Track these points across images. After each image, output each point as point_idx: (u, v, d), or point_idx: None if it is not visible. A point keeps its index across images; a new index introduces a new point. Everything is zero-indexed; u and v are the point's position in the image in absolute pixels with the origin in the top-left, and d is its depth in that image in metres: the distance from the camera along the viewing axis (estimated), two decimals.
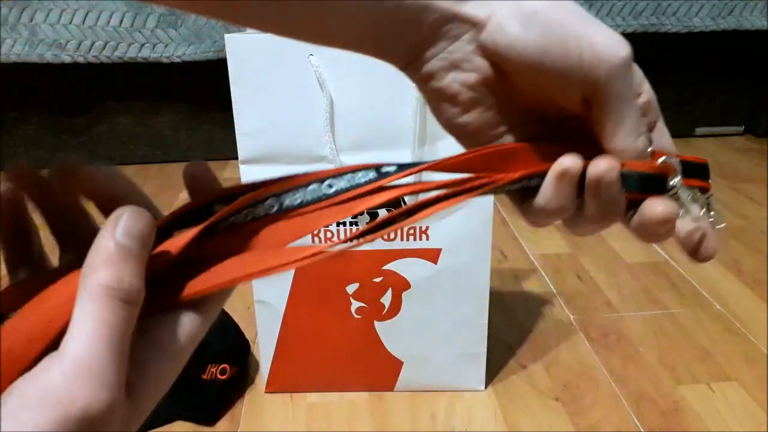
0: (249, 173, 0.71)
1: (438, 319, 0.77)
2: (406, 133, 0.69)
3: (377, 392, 0.82)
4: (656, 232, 0.26)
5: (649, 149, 0.27)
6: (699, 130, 1.74)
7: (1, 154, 1.61)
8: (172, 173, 1.58)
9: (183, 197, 1.53)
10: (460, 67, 0.26)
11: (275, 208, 0.25)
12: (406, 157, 0.69)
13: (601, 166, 0.25)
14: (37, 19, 1.39)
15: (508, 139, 0.28)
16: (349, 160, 0.70)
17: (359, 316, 0.77)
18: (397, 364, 0.80)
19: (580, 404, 0.79)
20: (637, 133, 0.26)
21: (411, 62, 0.27)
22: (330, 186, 0.25)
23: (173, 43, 1.43)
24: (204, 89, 1.55)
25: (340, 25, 0.25)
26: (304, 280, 0.75)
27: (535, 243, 1.19)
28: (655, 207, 0.26)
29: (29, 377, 0.19)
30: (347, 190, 0.25)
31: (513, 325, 0.95)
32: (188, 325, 0.23)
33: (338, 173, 0.25)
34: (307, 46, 0.66)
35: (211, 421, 0.77)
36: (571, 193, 0.26)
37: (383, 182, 0.25)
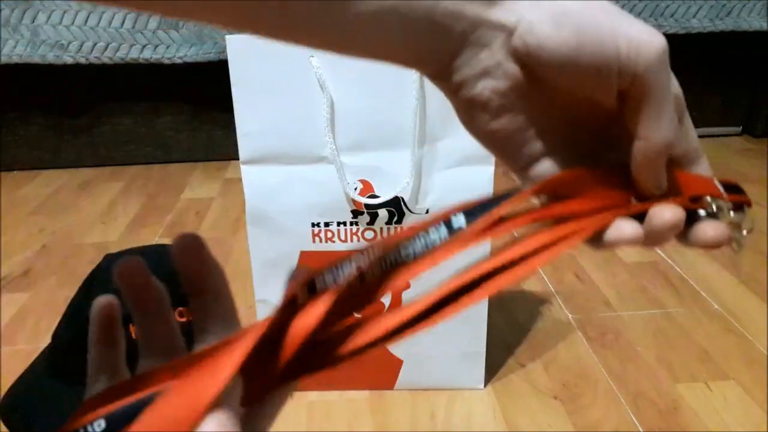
0: (250, 173, 0.72)
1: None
2: (406, 134, 0.69)
3: (377, 391, 0.82)
4: (666, 237, 0.27)
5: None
6: (697, 131, 1.74)
7: (2, 155, 1.61)
8: (173, 174, 1.59)
9: (184, 197, 1.54)
10: (491, 74, 0.26)
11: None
12: (406, 157, 0.70)
13: (667, 216, 0.26)
14: (39, 20, 1.39)
15: (536, 146, 0.28)
16: (350, 160, 0.71)
17: (359, 316, 0.78)
18: (397, 363, 0.81)
19: (579, 403, 0.80)
20: (674, 125, 0.26)
21: (442, 71, 0.27)
22: (406, 251, 0.25)
23: (174, 44, 1.43)
24: (205, 90, 1.55)
25: (370, 36, 0.25)
26: None
27: None
28: (663, 213, 0.26)
29: None
30: (423, 254, 0.25)
31: (512, 324, 0.96)
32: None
33: (411, 235, 0.25)
34: None
35: None
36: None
37: (456, 240, 0.25)
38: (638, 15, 1.50)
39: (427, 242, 0.25)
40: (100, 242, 1.24)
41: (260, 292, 0.77)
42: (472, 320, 0.78)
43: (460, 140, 0.69)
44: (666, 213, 0.26)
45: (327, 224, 0.73)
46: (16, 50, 1.41)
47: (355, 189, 0.72)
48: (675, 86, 0.27)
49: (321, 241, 0.74)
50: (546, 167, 0.28)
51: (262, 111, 0.69)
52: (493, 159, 0.71)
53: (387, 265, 0.25)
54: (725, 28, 1.54)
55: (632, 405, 0.79)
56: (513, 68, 0.26)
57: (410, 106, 0.68)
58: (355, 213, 0.73)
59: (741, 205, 0.31)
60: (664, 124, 0.25)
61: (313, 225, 0.73)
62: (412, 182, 0.71)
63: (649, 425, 0.76)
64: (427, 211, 0.73)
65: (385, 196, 0.71)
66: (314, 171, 0.71)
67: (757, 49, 1.64)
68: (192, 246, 0.26)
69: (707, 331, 0.93)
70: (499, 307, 0.99)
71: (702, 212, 0.28)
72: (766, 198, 1.38)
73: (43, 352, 0.82)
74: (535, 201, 0.28)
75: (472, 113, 0.28)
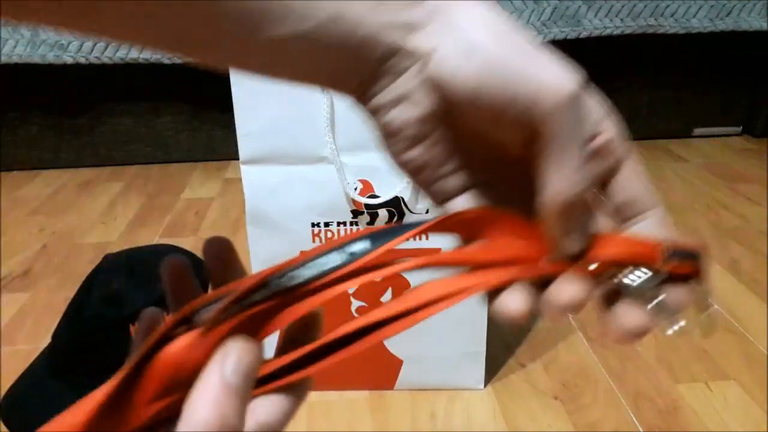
0: (250, 174, 0.72)
1: (437, 319, 0.78)
2: None
3: (377, 391, 0.82)
4: (563, 315, 0.24)
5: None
6: (697, 131, 1.74)
7: (2, 155, 1.61)
8: (173, 174, 1.59)
9: (183, 197, 1.54)
10: (406, 101, 0.25)
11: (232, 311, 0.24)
12: None
13: (564, 297, 0.24)
14: None
15: (455, 181, 0.27)
16: (350, 160, 0.71)
17: (359, 316, 0.78)
18: (397, 363, 0.81)
19: (579, 403, 0.80)
20: (581, 176, 0.23)
21: (360, 96, 0.26)
22: (292, 278, 0.24)
23: None
24: (205, 90, 1.55)
25: (286, 61, 0.25)
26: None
27: None
28: (561, 292, 0.24)
29: None
30: (316, 279, 0.24)
31: (512, 324, 0.96)
32: (283, 407, 0.24)
33: (302, 262, 0.24)
34: None
35: None
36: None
37: (353, 267, 0.24)
38: (638, 15, 1.50)
39: (320, 269, 0.24)
40: (100, 242, 1.24)
41: None
42: (472, 320, 0.78)
43: None
44: (564, 293, 0.24)
45: (327, 224, 0.73)
46: (16, 50, 1.41)
47: (355, 189, 0.72)
48: (608, 131, 0.25)
49: (321, 241, 0.74)
50: (464, 204, 0.27)
51: (262, 111, 0.69)
52: None
53: (272, 290, 0.23)
54: (725, 28, 1.54)
55: (632, 405, 0.79)
56: (427, 97, 0.25)
57: None
58: (355, 213, 0.73)
59: (689, 277, 0.26)
60: (565, 175, 0.23)
61: (313, 225, 0.73)
62: (412, 182, 0.71)
63: (649, 425, 0.76)
64: (427, 211, 0.73)
65: (385, 196, 0.71)
66: (314, 171, 0.71)
67: (757, 49, 1.64)
68: (223, 249, 0.27)
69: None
70: None
71: (630, 283, 0.25)
72: (766, 198, 1.38)
73: (43, 352, 0.82)
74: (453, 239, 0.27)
75: (388, 140, 0.27)
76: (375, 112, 0.26)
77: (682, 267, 0.26)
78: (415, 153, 0.26)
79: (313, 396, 0.81)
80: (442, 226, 0.25)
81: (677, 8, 1.51)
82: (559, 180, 0.23)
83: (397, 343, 0.80)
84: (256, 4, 0.22)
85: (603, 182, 0.27)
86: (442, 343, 0.80)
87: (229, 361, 0.22)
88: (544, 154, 0.23)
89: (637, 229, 0.27)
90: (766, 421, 0.76)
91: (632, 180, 0.27)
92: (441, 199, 0.28)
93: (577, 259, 0.25)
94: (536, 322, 0.96)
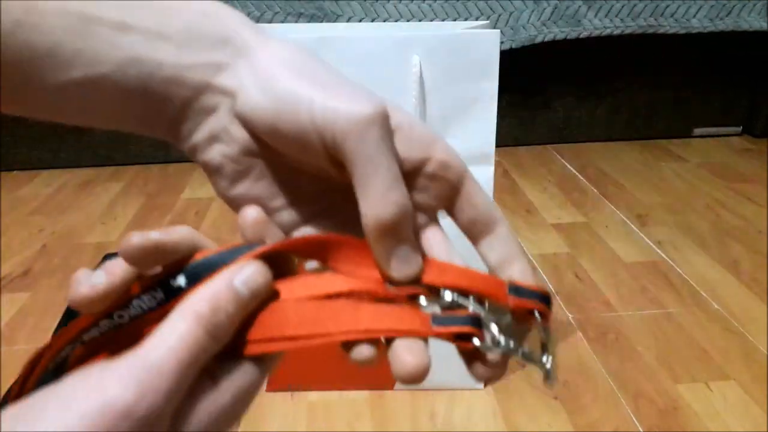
0: None
1: None
2: None
3: (377, 391, 0.82)
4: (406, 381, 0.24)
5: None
6: (697, 131, 1.74)
7: (2, 155, 1.61)
8: (173, 174, 1.59)
9: (183, 197, 1.54)
10: (221, 139, 0.26)
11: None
12: None
13: (407, 369, 0.23)
14: None
15: (290, 214, 0.27)
16: None
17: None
18: None
19: (579, 403, 0.80)
20: (388, 201, 0.23)
21: (173, 136, 0.26)
22: (120, 317, 0.24)
23: None
24: None
25: (81, 104, 0.25)
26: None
27: (533, 243, 1.20)
28: (404, 357, 0.23)
29: (99, 365, 0.20)
30: (140, 317, 0.24)
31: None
32: (247, 376, 0.23)
33: (124, 303, 0.24)
34: (307, 46, 0.66)
35: None
36: None
37: (173, 304, 0.23)
38: (638, 15, 1.50)
39: (137, 311, 0.24)
40: (100, 242, 1.24)
41: None
42: None
43: (460, 140, 0.69)
44: (407, 359, 0.23)
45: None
46: None
47: None
48: (441, 154, 0.25)
49: None
50: (309, 232, 0.27)
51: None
52: (493, 159, 0.71)
53: (101, 330, 0.24)
54: (725, 28, 1.54)
55: (632, 405, 0.79)
56: (241, 133, 0.25)
57: (410, 106, 0.68)
58: None
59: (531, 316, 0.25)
60: (376, 198, 0.23)
61: None
62: None
63: (649, 425, 0.76)
64: None
65: None
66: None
67: (757, 49, 1.65)
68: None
69: (707, 332, 0.93)
70: None
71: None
72: (766, 198, 1.38)
73: None
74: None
75: (212, 178, 0.27)
76: (194, 152, 0.26)
77: (524, 304, 0.25)
78: (241, 189, 0.27)
79: (313, 396, 0.82)
80: (281, 249, 0.25)
81: (677, 8, 1.51)
82: (371, 203, 0.23)
83: None
84: (42, 48, 0.22)
85: (447, 205, 0.27)
86: (442, 343, 0.79)
87: (242, 273, 0.22)
88: (354, 179, 0.23)
89: (485, 248, 0.27)
90: (766, 421, 0.76)
91: (473, 199, 0.26)
92: (285, 231, 0.28)
93: (413, 284, 0.25)
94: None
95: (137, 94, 0.24)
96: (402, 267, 0.25)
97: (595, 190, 1.44)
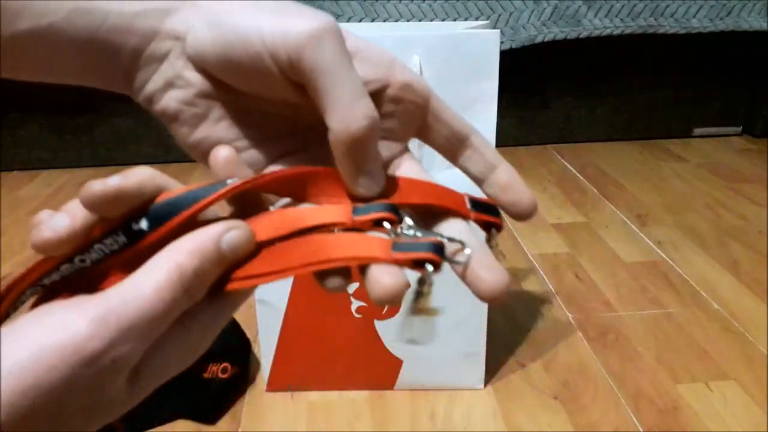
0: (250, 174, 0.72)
1: (437, 319, 0.78)
2: None
3: (377, 391, 0.82)
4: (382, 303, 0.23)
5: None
6: (697, 131, 1.74)
7: (2, 155, 1.61)
8: (173, 174, 1.58)
9: None
10: (175, 84, 0.26)
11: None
12: None
13: (382, 287, 0.22)
14: None
15: (255, 154, 0.27)
16: None
17: (359, 316, 0.78)
18: (397, 363, 0.81)
19: (579, 403, 0.80)
20: (354, 115, 0.23)
21: (127, 87, 0.26)
22: (82, 261, 0.24)
23: None
24: None
25: (31, 57, 0.25)
26: (304, 279, 0.76)
27: (533, 243, 1.20)
28: (381, 277, 0.22)
29: (62, 303, 0.20)
30: (101, 261, 0.24)
31: (512, 324, 0.96)
32: (215, 315, 0.23)
33: (86, 247, 0.23)
34: None
35: (212, 419, 0.77)
36: None
37: (138, 246, 0.23)
38: (638, 15, 1.50)
39: (99, 254, 0.24)
40: None
41: (260, 291, 0.77)
42: (472, 320, 0.78)
43: None
44: (384, 279, 0.22)
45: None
46: None
47: None
48: (402, 76, 0.25)
49: None
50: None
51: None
52: None
53: (61, 273, 0.24)
54: (725, 28, 1.54)
55: (632, 405, 0.79)
56: (194, 76, 0.25)
57: None
58: None
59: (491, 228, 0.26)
60: (341, 111, 0.23)
61: None
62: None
63: (649, 425, 0.76)
64: None
65: None
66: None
67: (757, 49, 1.65)
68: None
69: (707, 332, 0.93)
70: (499, 307, 0.99)
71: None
72: (766, 198, 1.38)
73: None
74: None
75: (171, 126, 0.27)
76: (150, 102, 0.27)
77: (483, 217, 0.26)
78: (201, 134, 0.27)
79: (313, 396, 0.82)
80: (253, 186, 0.25)
81: (677, 8, 1.51)
82: (339, 115, 0.23)
83: (397, 342, 0.80)
84: None
85: (417, 129, 0.27)
86: (441, 343, 0.79)
87: (231, 236, 0.23)
88: (318, 96, 0.23)
89: (465, 162, 0.27)
90: (766, 421, 0.76)
91: (442, 117, 0.27)
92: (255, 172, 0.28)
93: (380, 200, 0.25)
94: (536, 322, 0.96)
95: (87, 44, 0.24)
96: (369, 184, 0.25)
97: (595, 190, 1.44)
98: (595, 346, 0.90)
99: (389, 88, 0.25)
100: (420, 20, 1.43)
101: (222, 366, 0.78)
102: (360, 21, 1.42)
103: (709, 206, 1.35)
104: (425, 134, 0.27)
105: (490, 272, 0.23)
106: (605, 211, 1.34)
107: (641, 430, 0.75)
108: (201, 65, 0.25)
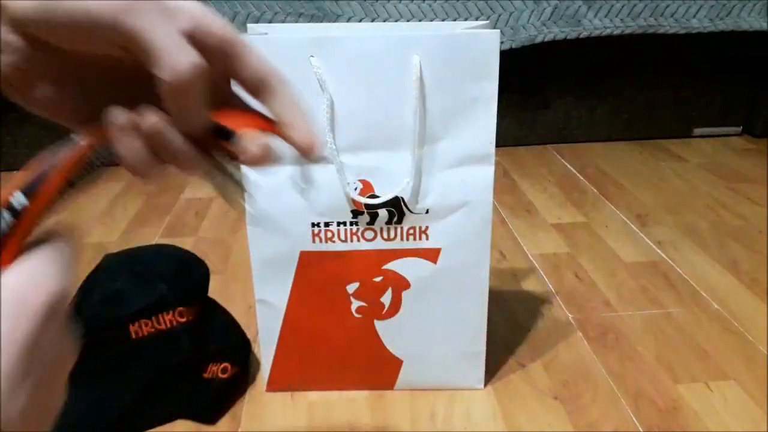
0: (250, 173, 0.72)
1: (437, 319, 0.78)
2: (406, 134, 0.69)
3: (377, 391, 0.82)
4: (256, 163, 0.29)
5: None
6: (697, 131, 1.74)
7: (2, 155, 1.61)
8: (173, 174, 1.59)
9: (183, 197, 1.54)
10: (1, 50, 0.27)
11: None
12: (406, 157, 0.70)
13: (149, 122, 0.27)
14: None
15: (86, 108, 0.29)
16: (350, 160, 0.70)
17: (359, 316, 0.78)
18: (397, 363, 0.81)
19: (579, 403, 0.80)
20: (182, 57, 0.26)
21: None
22: None
23: None
24: None
25: None
26: (304, 279, 0.76)
27: (533, 243, 1.20)
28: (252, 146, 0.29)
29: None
30: None
31: (512, 324, 0.96)
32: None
33: None
34: (307, 46, 0.66)
35: (212, 419, 0.77)
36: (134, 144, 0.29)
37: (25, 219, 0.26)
38: (638, 15, 1.50)
39: None
40: (100, 242, 1.24)
41: (260, 291, 0.77)
42: (471, 320, 0.78)
43: (460, 140, 0.69)
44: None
45: (327, 224, 0.73)
46: None
47: (355, 189, 0.72)
48: (220, 30, 0.27)
49: (321, 241, 0.74)
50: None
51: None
52: (493, 159, 0.71)
53: None
54: (725, 28, 1.54)
55: (632, 405, 0.79)
56: (17, 40, 0.27)
57: (410, 106, 0.68)
58: (355, 213, 0.73)
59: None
60: (169, 59, 0.25)
61: (312, 225, 0.73)
62: (412, 182, 0.71)
63: (649, 425, 0.76)
64: (427, 211, 0.73)
65: (385, 196, 0.71)
66: (314, 171, 0.71)
67: (757, 49, 1.65)
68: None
69: (707, 332, 0.93)
70: (499, 307, 0.99)
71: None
72: (766, 198, 1.38)
73: None
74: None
75: (9, 92, 0.29)
76: None
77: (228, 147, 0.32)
78: (39, 94, 0.29)
79: (313, 396, 0.82)
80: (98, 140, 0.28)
81: (677, 8, 1.51)
82: (166, 64, 0.25)
83: (397, 342, 0.79)
84: None
85: (227, 71, 0.30)
86: (442, 343, 0.79)
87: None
88: (143, 54, 0.25)
89: (268, 106, 0.32)
90: (766, 421, 0.76)
91: (244, 59, 0.30)
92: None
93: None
94: (536, 322, 0.96)
95: None
96: (193, 119, 0.29)
97: (595, 190, 1.44)
98: (595, 346, 0.90)
99: (202, 37, 0.27)
100: (420, 20, 1.43)
101: (222, 366, 0.78)
102: (360, 21, 1.42)
103: (709, 206, 1.35)
104: (231, 77, 0.31)
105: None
106: (605, 211, 1.34)
107: (641, 430, 0.75)
108: (17, 28, 0.26)
